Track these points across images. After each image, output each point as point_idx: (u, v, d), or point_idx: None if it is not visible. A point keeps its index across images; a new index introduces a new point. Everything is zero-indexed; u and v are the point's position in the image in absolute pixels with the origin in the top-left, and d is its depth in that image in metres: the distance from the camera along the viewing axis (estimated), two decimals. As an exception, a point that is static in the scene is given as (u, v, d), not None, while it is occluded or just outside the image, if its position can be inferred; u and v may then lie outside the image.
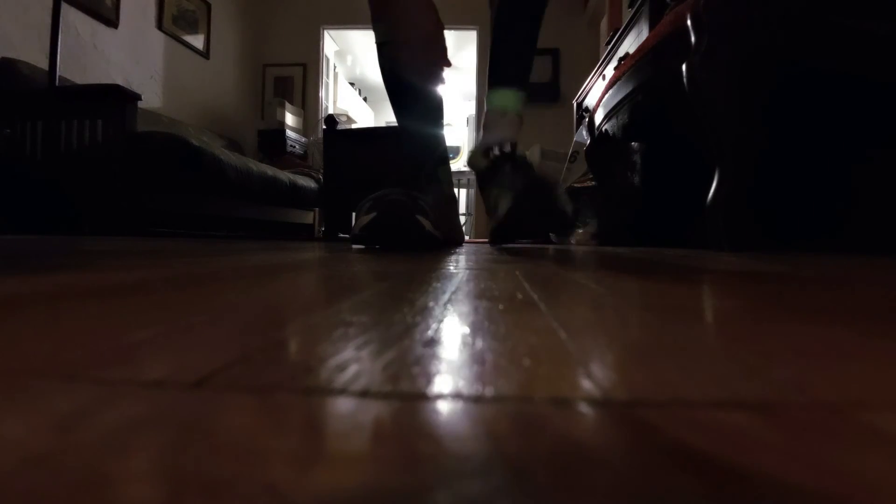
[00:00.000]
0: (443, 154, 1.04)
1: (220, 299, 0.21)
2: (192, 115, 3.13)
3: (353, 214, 0.82)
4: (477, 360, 0.12)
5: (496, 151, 0.91)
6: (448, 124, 1.10)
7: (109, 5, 2.52)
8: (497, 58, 0.96)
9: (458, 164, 4.74)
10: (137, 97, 1.86)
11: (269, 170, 2.62)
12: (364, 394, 0.09)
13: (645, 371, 0.11)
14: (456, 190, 1.13)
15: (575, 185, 1.95)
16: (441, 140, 1.03)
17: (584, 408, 0.09)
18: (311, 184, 3.04)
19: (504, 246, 1.00)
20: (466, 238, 2.02)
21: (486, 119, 0.97)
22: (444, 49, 0.94)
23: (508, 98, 0.95)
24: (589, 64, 2.37)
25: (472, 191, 3.83)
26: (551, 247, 1.16)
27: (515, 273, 0.36)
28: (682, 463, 0.07)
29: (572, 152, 2.09)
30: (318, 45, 3.99)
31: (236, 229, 2.65)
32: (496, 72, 0.97)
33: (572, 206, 0.88)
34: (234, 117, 3.66)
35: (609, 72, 1.85)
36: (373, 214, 0.72)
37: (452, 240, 1.07)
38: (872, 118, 0.83)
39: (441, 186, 1.00)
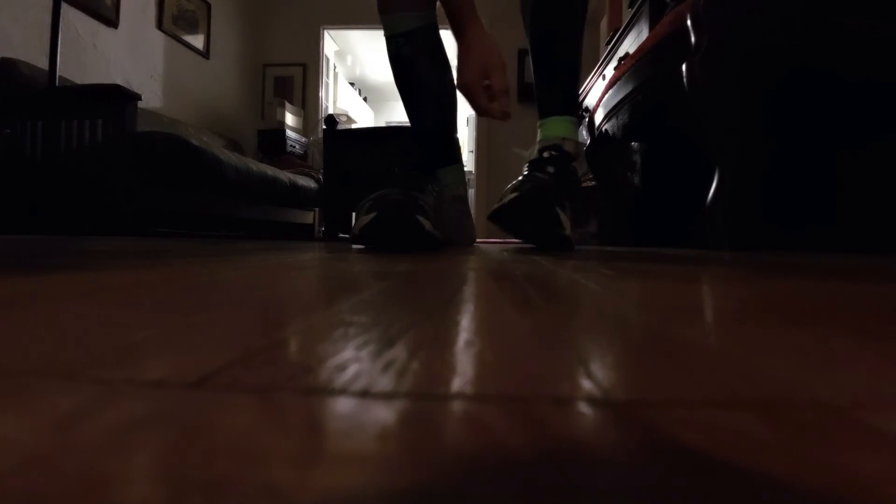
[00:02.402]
0: (450, 154, 1.03)
1: (220, 299, 0.21)
2: (192, 115, 3.13)
3: (353, 214, 0.81)
4: (477, 359, 0.12)
5: (552, 153, 0.86)
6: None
7: (109, 5, 2.52)
8: (538, 82, 0.89)
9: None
10: (137, 97, 1.86)
11: (269, 170, 2.62)
12: (364, 394, 0.09)
13: (645, 371, 0.11)
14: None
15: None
16: (447, 141, 1.01)
17: (584, 407, 0.09)
18: (311, 184, 3.04)
19: (506, 247, 0.99)
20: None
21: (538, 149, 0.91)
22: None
23: (556, 127, 0.89)
24: (589, 64, 2.36)
25: (473, 191, 3.83)
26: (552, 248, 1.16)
27: (516, 273, 0.36)
28: (682, 463, 0.07)
29: (572, 152, 2.09)
30: (318, 45, 3.99)
31: (236, 229, 2.65)
32: (541, 99, 0.90)
33: (574, 233, 0.81)
34: (234, 117, 3.66)
35: (609, 72, 1.85)
36: (373, 214, 0.72)
37: (458, 240, 1.06)
38: (872, 117, 0.83)
39: (442, 187, 0.99)
